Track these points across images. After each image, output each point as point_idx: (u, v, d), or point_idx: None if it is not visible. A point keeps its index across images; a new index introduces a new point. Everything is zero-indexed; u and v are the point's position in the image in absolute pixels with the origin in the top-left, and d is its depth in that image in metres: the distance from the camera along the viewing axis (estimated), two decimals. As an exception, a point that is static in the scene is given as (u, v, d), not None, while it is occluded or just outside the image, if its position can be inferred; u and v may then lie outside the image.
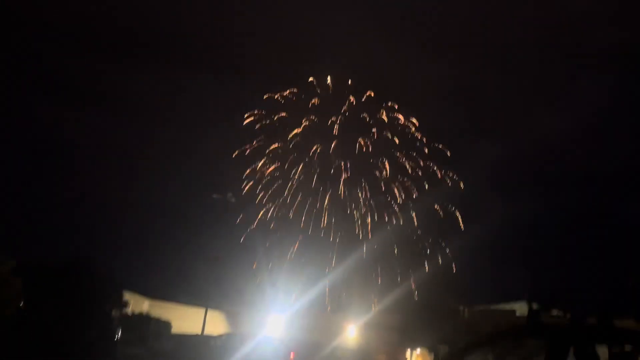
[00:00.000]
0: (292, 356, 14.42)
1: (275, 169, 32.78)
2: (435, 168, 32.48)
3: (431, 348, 18.86)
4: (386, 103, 33.46)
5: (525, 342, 5.99)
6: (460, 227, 30.82)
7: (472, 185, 28.40)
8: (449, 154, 32.88)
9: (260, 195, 32.26)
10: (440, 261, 29.31)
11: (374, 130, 33.31)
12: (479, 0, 37.54)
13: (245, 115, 33.24)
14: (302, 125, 33.17)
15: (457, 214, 30.99)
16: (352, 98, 33.18)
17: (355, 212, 31.37)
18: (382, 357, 18.82)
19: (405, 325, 21.94)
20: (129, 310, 21.83)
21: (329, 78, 33.60)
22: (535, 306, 5.54)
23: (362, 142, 32.93)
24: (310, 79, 33.75)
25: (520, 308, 20.98)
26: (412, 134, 33.24)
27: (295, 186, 32.25)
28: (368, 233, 30.59)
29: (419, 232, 30.81)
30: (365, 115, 33.29)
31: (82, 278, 16.22)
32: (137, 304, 25.25)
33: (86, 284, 15.98)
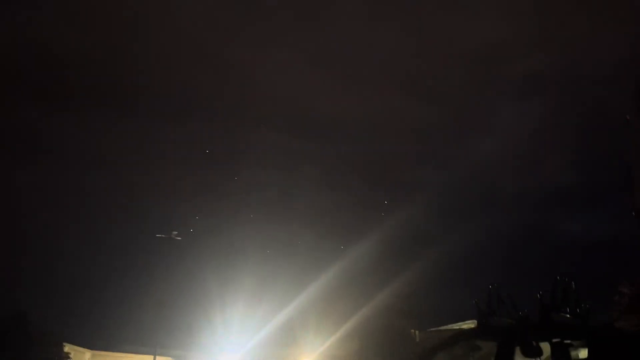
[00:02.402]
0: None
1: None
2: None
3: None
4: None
5: (479, 345, 6.32)
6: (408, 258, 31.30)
7: (417, 213, 29.25)
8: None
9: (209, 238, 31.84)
10: (391, 289, 29.71)
11: None
12: (394, 35, 39.83)
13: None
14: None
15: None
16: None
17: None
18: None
19: (359, 353, 22.14)
20: (71, 363, 20.76)
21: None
22: (483, 310, 5.92)
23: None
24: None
25: (470, 327, 21.60)
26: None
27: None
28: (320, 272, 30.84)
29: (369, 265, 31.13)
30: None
31: (20, 332, 15.44)
32: (79, 356, 23.95)
33: (25, 339, 15.19)
